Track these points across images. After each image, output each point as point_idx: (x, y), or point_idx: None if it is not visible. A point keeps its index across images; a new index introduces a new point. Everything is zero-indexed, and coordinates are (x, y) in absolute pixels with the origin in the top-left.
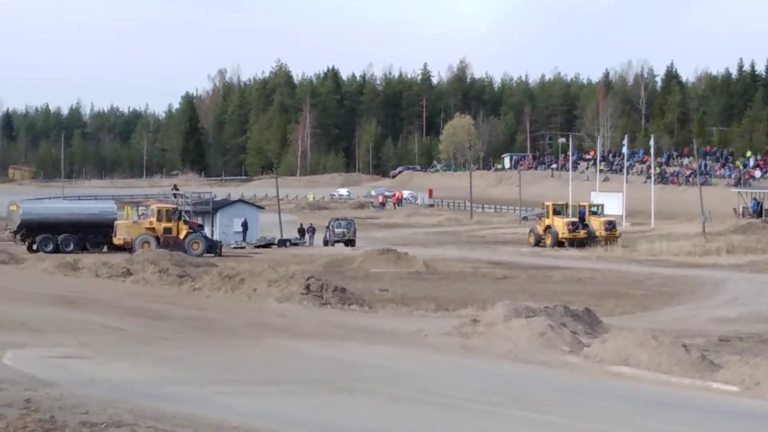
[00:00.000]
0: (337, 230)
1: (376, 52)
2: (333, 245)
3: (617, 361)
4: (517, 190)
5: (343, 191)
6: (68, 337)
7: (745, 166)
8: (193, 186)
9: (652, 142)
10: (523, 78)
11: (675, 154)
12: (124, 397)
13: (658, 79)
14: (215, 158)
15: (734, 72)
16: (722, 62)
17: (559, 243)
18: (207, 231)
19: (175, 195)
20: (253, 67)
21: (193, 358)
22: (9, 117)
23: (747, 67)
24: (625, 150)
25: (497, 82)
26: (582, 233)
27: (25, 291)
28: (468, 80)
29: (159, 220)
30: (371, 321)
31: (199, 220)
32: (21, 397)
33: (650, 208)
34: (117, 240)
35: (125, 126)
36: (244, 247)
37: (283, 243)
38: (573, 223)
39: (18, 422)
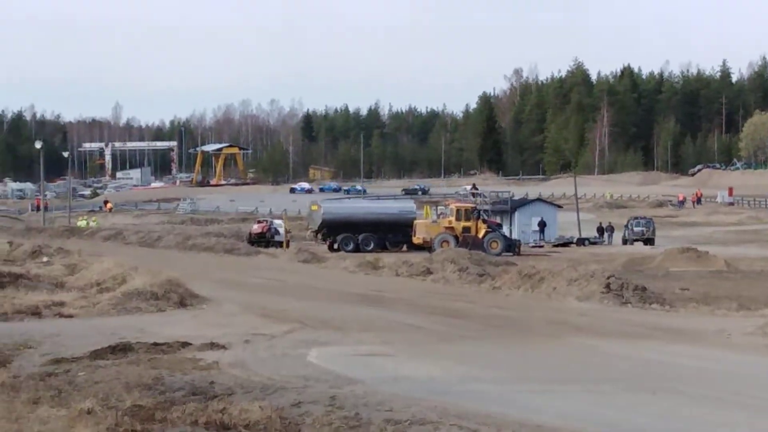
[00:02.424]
0: (636, 229)
1: (672, 50)
2: (632, 244)
3: None
4: None
5: (305, 185)
6: (371, 335)
7: None
8: (491, 185)
9: None
10: None
11: None
12: (427, 395)
13: None
14: (513, 157)
15: None
16: None
17: None
18: (505, 230)
19: (473, 194)
20: (549, 66)
21: (495, 356)
22: (309, 118)
23: None
24: None
25: None
26: None
27: (327, 290)
28: None
29: (458, 219)
30: (672, 320)
31: (498, 219)
32: (326, 395)
33: None
34: (416, 239)
35: (423, 126)
36: (542, 246)
37: (581, 242)
38: None
39: (324, 419)
